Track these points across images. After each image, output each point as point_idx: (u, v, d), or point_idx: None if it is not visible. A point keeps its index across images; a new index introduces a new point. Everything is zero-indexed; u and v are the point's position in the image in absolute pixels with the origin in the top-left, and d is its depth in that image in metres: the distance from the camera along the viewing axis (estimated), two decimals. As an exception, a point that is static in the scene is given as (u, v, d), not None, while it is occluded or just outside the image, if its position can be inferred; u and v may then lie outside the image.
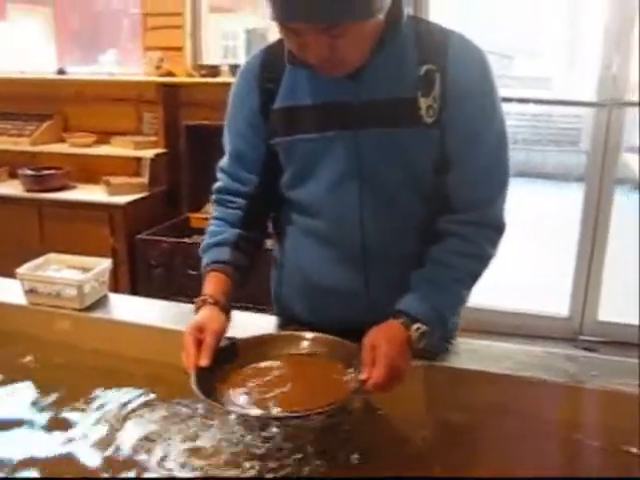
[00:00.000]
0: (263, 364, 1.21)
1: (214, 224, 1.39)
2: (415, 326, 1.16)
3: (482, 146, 1.25)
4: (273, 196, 1.39)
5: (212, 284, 1.29)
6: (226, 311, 1.25)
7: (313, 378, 1.17)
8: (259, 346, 1.24)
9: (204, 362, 1.12)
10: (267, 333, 1.32)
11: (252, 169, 1.37)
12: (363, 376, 1.07)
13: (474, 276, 1.28)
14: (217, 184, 1.43)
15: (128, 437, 1.18)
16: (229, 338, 1.23)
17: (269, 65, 1.31)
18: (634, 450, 1.12)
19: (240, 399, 1.10)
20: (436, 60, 1.21)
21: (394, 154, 1.24)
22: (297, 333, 1.28)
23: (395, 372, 1.09)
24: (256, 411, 1.06)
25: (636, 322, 3.44)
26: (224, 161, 1.42)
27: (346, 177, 1.26)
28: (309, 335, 1.26)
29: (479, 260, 1.28)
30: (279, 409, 1.06)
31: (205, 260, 1.34)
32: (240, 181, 1.38)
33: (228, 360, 1.19)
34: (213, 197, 1.44)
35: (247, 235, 1.37)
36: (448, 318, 1.24)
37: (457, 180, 1.26)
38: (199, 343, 1.15)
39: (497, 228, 1.29)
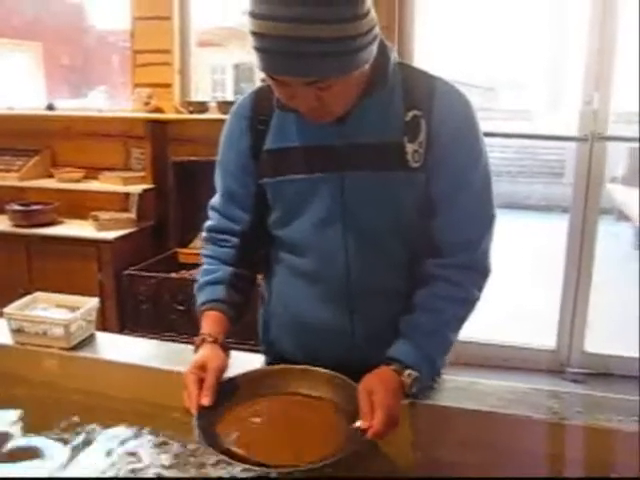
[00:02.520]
0: (262, 404, 1.21)
1: (208, 262, 1.41)
2: (407, 372, 1.18)
3: (468, 190, 1.27)
4: (264, 234, 1.41)
5: (209, 323, 1.30)
6: (225, 349, 1.26)
7: (313, 424, 1.17)
8: (257, 382, 1.24)
9: (206, 401, 1.12)
10: (265, 368, 1.32)
11: (244, 208, 1.39)
12: (363, 425, 1.08)
13: (461, 319, 1.30)
14: (209, 223, 1.44)
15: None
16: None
17: (260, 107, 1.33)
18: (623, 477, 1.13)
19: (239, 443, 1.10)
20: (422, 106, 1.24)
21: (379, 197, 1.26)
22: (294, 368, 1.29)
23: (393, 419, 1.10)
24: (256, 468, 1.05)
25: (623, 353, 3.47)
26: (216, 200, 1.44)
27: (330, 218, 1.29)
28: (306, 370, 1.26)
29: (465, 304, 1.30)
30: (280, 462, 1.05)
31: (200, 299, 1.35)
32: (233, 220, 1.40)
33: (229, 397, 1.19)
34: (205, 235, 1.45)
35: (240, 273, 1.38)
36: (437, 362, 1.26)
37: (443, 223, 1.27)
38: (201, 382, 1.15)
39: (483, 272, 1.31)
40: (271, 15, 1.03)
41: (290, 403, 1.22)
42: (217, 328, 1.29)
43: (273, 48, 1.05)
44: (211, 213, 1.45)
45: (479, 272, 1.31)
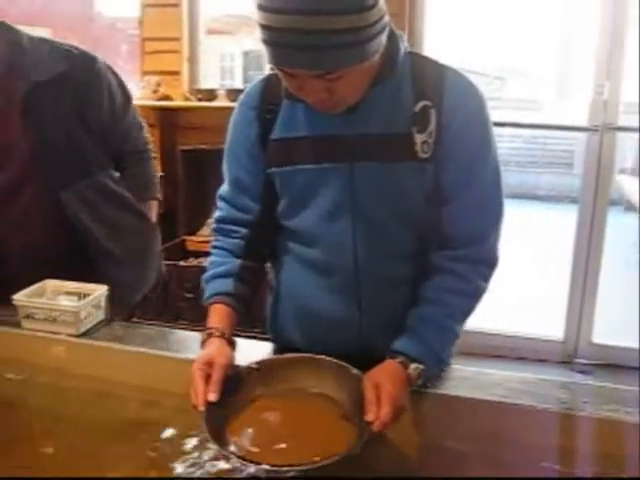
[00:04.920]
0: (268, 402, 1.21)
1: (216, 254, 1.41)
2: (413, 366, 1.19)
3: (478, 182, 1.27)
4: (273, 224, 1.41)
5: (217, 317, 1.30)
6: (232, 343, 1.27)
7: (319, 421, 1.17)
8: (265, 376, 1.24)
9: (212, 397, 1.12)
10: (271, 358, 1.32)
11: (254, 197, 1.39)
12: (369, 417, 1.08)
13: (466, 312, 1.30)
14: (218, 214, 1.44)
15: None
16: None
17: (268, 96, 1.33)
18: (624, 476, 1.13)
19: (248, 441, 1.10)
20: (432, 96, 1.23)
21: (388, 187, 1.26)
22: (300, 357, 1.28)
23: (399, 411, 1.11)
24: (266, 466, 1.04)
25: (630, 344, 3.46)
26: (225, 190, 1.43)
27: (340, 208, 1.29)
28: (312, 359, 1.26)
29: (471, 297, 1.30)
30: (289, 460, 1.05)
31: (208, 291, 1.35)
32: (243, 209, 1.40)
33: (236, 393, 1.20)
34: (214, 226, 1.45)
35: (249, 265, 1.38)
36: (443, 354, 1.27)
37: (452, 214, 1.27)
38: (207, 378, 1.15)
39: (490, 263, 1.31)
40: (279, 8, 1.02)
41: (296, 401, 1.22)
42: (224, 322, 1.29)
43: (282, 41, 1.05)
44: (220, 204, 1.44)
45: (486, 264, 1.31)
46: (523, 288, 4.84)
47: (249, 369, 1.25)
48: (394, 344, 1.23)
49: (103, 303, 1.66)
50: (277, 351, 1.49)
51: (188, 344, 1.52)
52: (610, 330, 3.69)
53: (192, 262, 3.56)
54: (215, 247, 1.43)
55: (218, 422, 1.12)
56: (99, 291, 1.65)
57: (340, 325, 1.37)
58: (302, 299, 1.40)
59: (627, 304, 3.89)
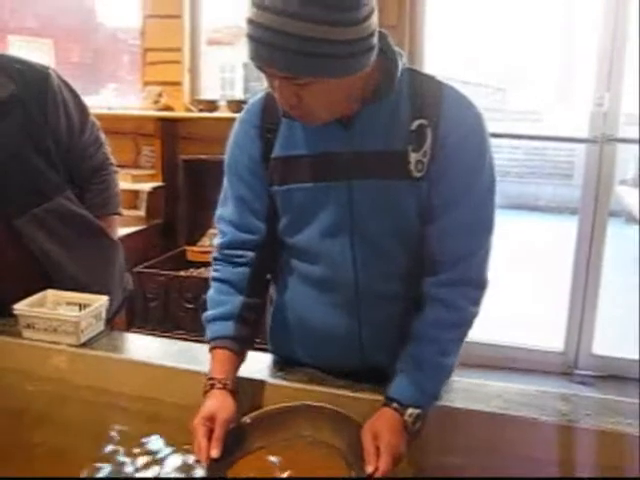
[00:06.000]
0: (269, 452, 1.21)
1: (217, 289, 1.37)
2: (409, 412, 1.18)
3: (466, 202, 1.25)
4: (276, 244, 1.39)
5: (218, 365, 1.28)
6: (234, 392, 1.26)
7: (320, 470, 1.17)
8: (264, 427, 1.24)
9: (215, 453, 1.13)
10: (270, 409, 1.30)
11: (260, 217, 1.36)
12: (370, 469, 1.08)
13: (458, 341, 1.28)
14: (221, 239, 1.40)
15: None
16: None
17: (268, 115, 1.32)
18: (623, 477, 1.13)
19: None
20: (429, 115, 1.22)
21: (384, 205, 1.26)
22: (297, 406, 1.28)
23: (398, 460, 1.12)
24: None
25: (631, 356, 3.45)
26: (227, 211, 1.39)
27: (338, 226, 1.28)
28: (312, 408, 1.26)
29: (463, 326, 1.28)
30: None
31: (209, 333, 1.33)
32: (249, 230, 1.36)
33: (237, 446, 1.20)
34: (216, 255, 1.40)
35: (251, 303, 1.35)
36: (438, 392, 1.25)
37: (439, 232, 1.26)
38: (210, 433, 1.16)
39: (479, 285, 1.29)
40: (267, 5, 1.04)
41: (296, 449, 1.22)
42: (226, 369, 1.28)
43: (258, 36, 1.07)
44: (223, 227, 1.40)
45: (476, 286, 1.29)
46: (523, 299, 4.83)
47: (250, 421, 1.25)
48: (388, 390, 1.23)
49: (103, 314, 1.66)
50: (277, 363, 1.49)
51: (188, 354, 1.52)
52: (610, 341, 3.69)
53: (192, 272, 3.55)
54: (216, 279, 1.38)
55: (221, 475, 1.14)
56: (99, 302, 1.65)
57: (341, 339, 1.37)
58: (302, 314, 1.40)
59: (627, 315, 3.88)
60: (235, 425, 1.22)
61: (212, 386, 1.24)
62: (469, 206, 1.25)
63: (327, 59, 1.07)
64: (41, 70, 1.78)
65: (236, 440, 1.20)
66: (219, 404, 1.21)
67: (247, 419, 1.25)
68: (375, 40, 1.13)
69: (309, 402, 1.27)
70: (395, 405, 1.19)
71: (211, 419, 1.17)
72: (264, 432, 1.24)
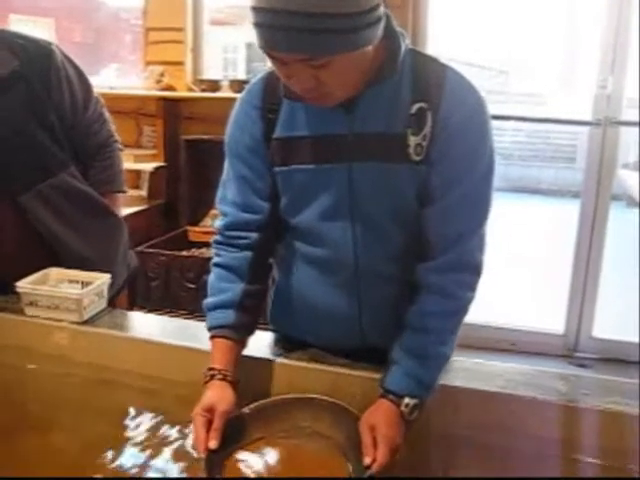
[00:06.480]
0: (268, 444, 1.22)
1: (218, 275, 1.36)
2: (405, 402, 1.18)
3: (464, 186, 1.24)
4: (279, 226, 1.38)
5: (218, 354, 1.28)
6: (234, 383, 1.26)
7: (319, 461, 1.18)
8: (263, 418, 1.25)
9: (213, 445, 1.13)
10: (270, 400, 1.31)
11: (263, 196, 1.35)
12: (367, 461, 1.08)
13: (453, 329, 1.27)
14: (222, 221, 1.38)
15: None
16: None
17: (270, 95, 1.30)
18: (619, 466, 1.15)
19: None
20: (430, 98, 1.21)
21: (384, 187, 1.25)
22: (297, 398, 1.28)
23: (395, 451, 1.12)
24: None
25: (631, 339, 3.46)
26: (230, 192, 1.37)
27: (339, 208, 1.28)
28: (311, 400, 1.27)
29: (458, 313, 1.28)
30: None
31: (209, 321, 1.33)
32: (253, 210, 1.35)
33: (236, 437, 1.21)
34: (216, 238, 1.39)
35: (251, 290, 1.34)
36: (434, 381, 1.24)
37: (435, 215, 1.25)
38: (209, 424, 1.16)
39: (474, 270, 1.28)
40: None
41: (294, 443, 1.22)
42: (226, 359, 1.27)
43: (267, 22, 1.04)
44: (225, 208, 1.38)
45: (469, 271, 1.27)
46: (524, 281, 4.84)
47: (249, 412, 1.25)
48: (384, 381, 1.23)
49: (105, 291, 1.67)
50: (278, 341, 1.50)
51: (189, 332, 1.53)
52: (611, 324, 3.70)
53: (194, 252, 3.56)
54: (217, 265, 1.37)
55: (218, 466, 1.14)
56: (102, 279, 1.66)
57: (341, 319, 1.38)
58: (304, 293, 1.40)
59: (628, 298, 3.89)
60: (234, 415, 1.22)
61: (212, 377, 1.24)
62: (467, 189, 1.24)
63: (343, 34, 1.04)
64: (44, 46, 1.77)
65: (235, 430, 1.21)
66: (219, 395, 1.21)
67: (246, 410, 1.25)
68: (381, 12, 1.11)
69: (309, 394, 1.28)
70: (391, 397, 1.19)
71: (210, 410, 1.18)
72: (263, 423, 1.24)
